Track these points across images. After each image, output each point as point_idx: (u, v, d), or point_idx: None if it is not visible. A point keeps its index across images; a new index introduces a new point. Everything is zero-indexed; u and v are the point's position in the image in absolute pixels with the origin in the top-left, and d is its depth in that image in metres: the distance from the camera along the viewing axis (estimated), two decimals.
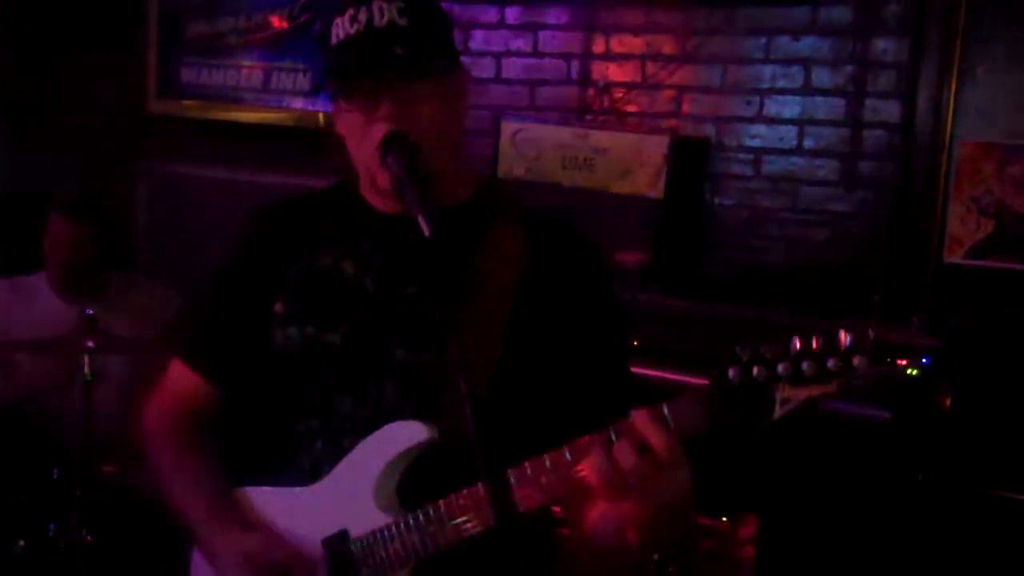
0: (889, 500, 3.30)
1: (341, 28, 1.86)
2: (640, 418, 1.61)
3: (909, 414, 3.24)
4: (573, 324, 1.95)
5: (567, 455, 1.69)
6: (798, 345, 1.55)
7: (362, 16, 1.84)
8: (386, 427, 1.89)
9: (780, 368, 1.55)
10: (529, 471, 1.71)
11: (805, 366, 1.54)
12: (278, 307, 2.00)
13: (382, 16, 1.83)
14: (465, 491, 1.77)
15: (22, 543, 3.25)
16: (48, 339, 3.66)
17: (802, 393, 1.55)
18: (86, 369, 3.38)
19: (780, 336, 1.57)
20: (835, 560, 3.32)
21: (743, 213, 4.15)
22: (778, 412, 1.57)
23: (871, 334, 1.52)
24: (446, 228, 1.74)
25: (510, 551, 1.70)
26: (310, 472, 1.97)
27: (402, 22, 1.84)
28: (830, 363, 1.52)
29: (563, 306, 1.95)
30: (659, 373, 3.63)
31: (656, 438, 1.59)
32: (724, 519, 3.39)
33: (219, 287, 2.14)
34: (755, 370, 1.56)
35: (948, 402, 3.23)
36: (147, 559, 3.41)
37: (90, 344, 3.39)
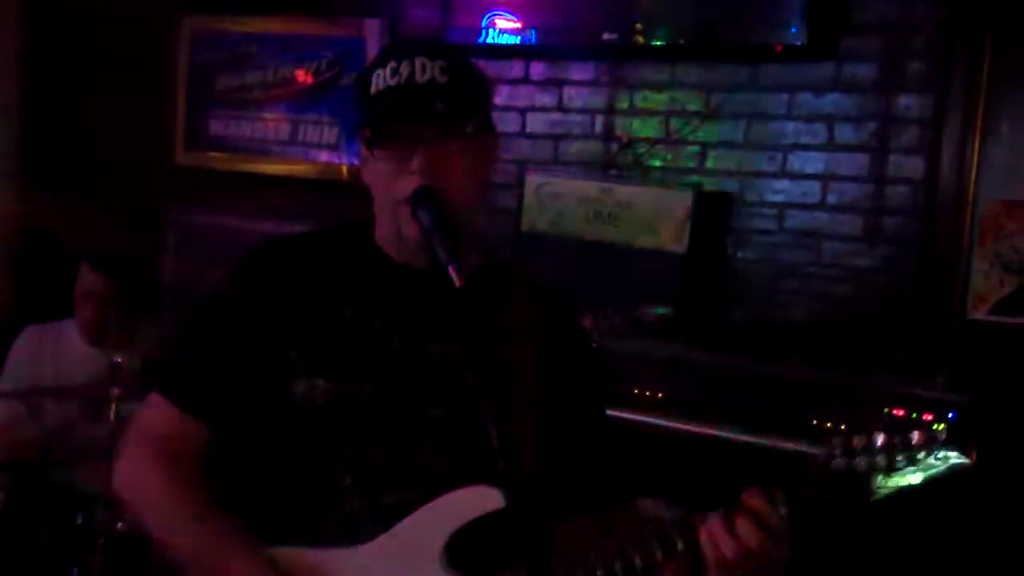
0: (920, 560, 3.27)
1: (382, 79, 1.88)
2: (756, 499, 1.71)
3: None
4: (578, 386, 2.04)
5: (676, 526, 1.75)
6: (882, 438, 1.69)
7: (404, 70, 1.86)
8: (458, 491, 1.85)
9: (879, 459, 1.68)
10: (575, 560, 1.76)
11: (900, 458, 1.68)
12: (294, 354, 1.93)
13: (424, 72, 1.85)
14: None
15: None
16: (75, 386, 3.69)
17: (895, 483, 1.68)
18: (112, 416, 3.39)
19: (861, 426, 1.75)
20: None
21: (766, 268, 4.16)
22: (872, 499, 1.69)
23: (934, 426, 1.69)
24: (473, 287, 1.77)
25: None
26: (345, 531, 1.89)
27: (443, 80, 1.86)
28: (919, 455, 1.67)
29: (570, 366, 2.03)
30: (683, 426, 3.63)
31: (774, 518, 1.69)
32: None
33: (217, 323, 2.01)
34: (857, 460, 1.69)
35: (975, 456, 3.21)
36: None
37: (116, 391, 3.41)
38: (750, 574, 1.70)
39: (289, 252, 2.03)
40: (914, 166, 3.93)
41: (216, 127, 5.37)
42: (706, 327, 4.07)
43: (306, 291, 1.97)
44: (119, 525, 3.36)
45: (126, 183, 5.32)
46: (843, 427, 1.82)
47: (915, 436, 1.67)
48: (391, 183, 1.88)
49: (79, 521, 3.42)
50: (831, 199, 4.07)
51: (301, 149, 5.16)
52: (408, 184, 1.84)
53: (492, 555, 1.81)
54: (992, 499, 3.26)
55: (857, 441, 1.70)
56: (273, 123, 5.23)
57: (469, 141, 1.89)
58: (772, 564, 1.70)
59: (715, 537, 1.70)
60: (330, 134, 5.07)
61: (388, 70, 1.88)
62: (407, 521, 1.87)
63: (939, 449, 1.66)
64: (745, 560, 1.68)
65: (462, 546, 1.84)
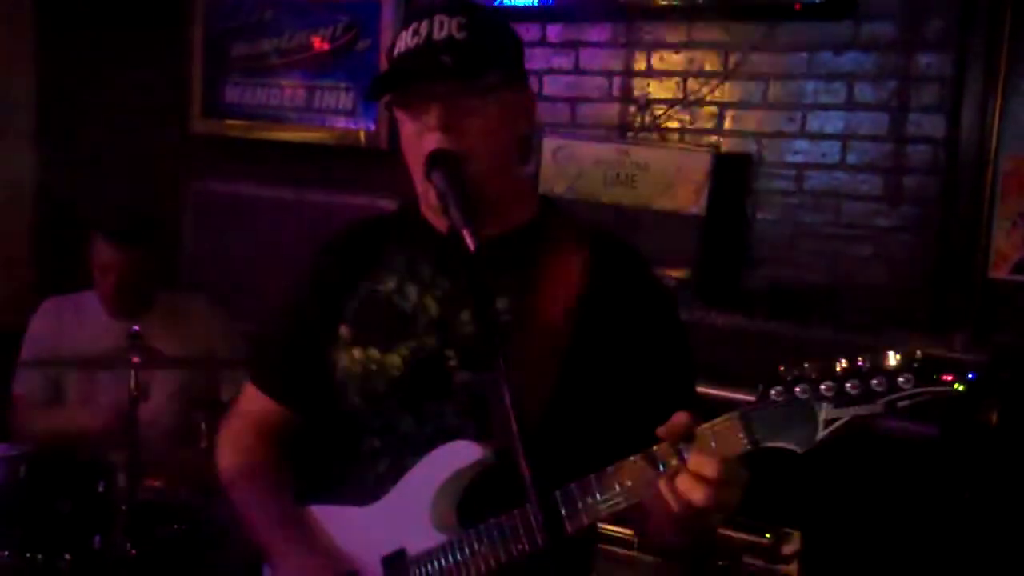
0: (935, 517, 3.26)
1: (403, 41, 1.89)
2: (696, 456, 1.63)
3: (956, 430, 3.21)
4: (633, 346, 1.93)
5: (614, 479, 1.70)
6: (843, 365, 1.54)
7: (423, 28, 1.86)
8: (441, 448, 1.90)
9: (824, 388, 1.54)
10: (576, 494, 1.73)
11: (849, 386, 1.53)
12: (343, 331, 2.03)
13: (442, 29, 1.85)
14: (516, 513, 1.78)
15: (68, 556, 3.27)
16: (96, 356, 3.70)
17: (846, 414, 1.54)
18: (132, 385, 3.40)
19: (825, 355, 1.56)
20: None
21: (785, 229, 4.13)
22: (821, 433, 1.56)
23: (918, 353, 1.50)
24: (500, 250, 1.77)
25: (556, 570, 1.68)
26: (373, 491, 1.98)
27: (460, 36, 1.85)
28: (875, 383, 1.51)
29: (623, 328, 1.93)
30: (702, 389, 3.61)
31: (708, 469, 1.61)
32: (767, 536, 3.36)
33: (290, 313, 2.17)
34: (798, 389, 1.56)
35: (995, 418, 3.20)
36: (189, 572, 3.44)
37: (135, 361, 3.41)
38: (696, 520, 1.66)
39: (347, 236, 2.14)
40: (934, 124, 3.89)
41: (232, 94, 5.35)
42: (725, 289, 4.05)
43: (357, 272, 2.05)
44: (141, 494, 3.38)
45: (142, 151, 5.33)
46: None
47: (887, 358, 1.51)
48: (415, 145, 1.88)
49: (101, 490, 3.43)
50: (851, 159, 4.03)
51: (317, 115, 5.14)
52: (427, 145, 1.85)
53: (475, 507, 1.86)
54: (1013, 459, 3.26)
55: (810, 369, 1.57)
56: (289, 89, 5.20)
57: (487, 96, 1.86)
58: (714, 504, 1.62)
59: (639, 483, 1.67)
60: (346, 99, 5.05)
61: (410, 31, 1.89)
62: (404, 479, 1.94)
63: (913, 376, 1.49)
64: (672, 504, 1.63)
65: (447, 501, 1.89)
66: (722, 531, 3.31)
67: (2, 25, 5.18)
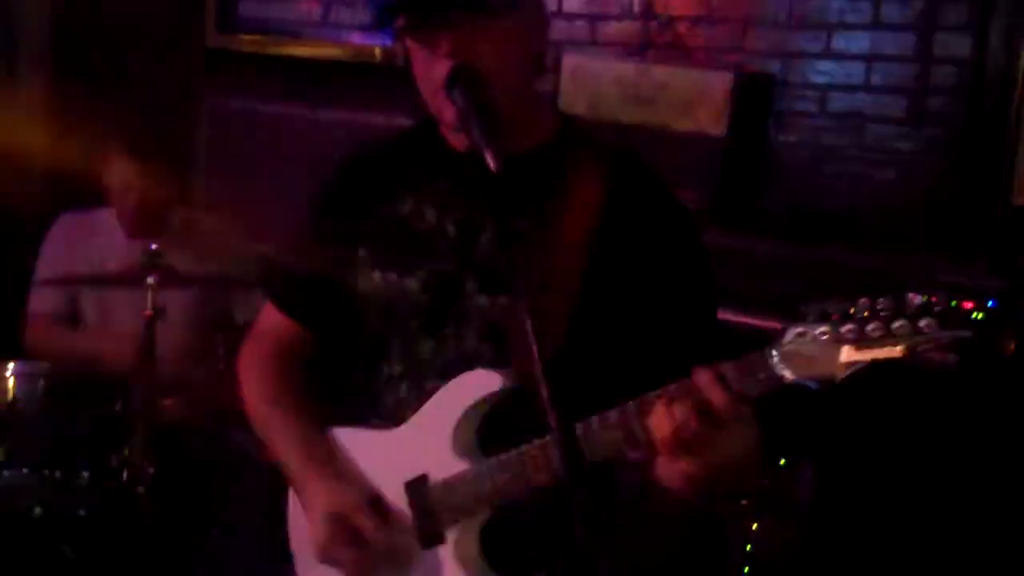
0: (949, 448, 3.26)
1: None
2: (701, 378, 1.62)
3: (971, 359, 3.18)
4: (654, 268, 1.90)
5: (633, 411, 1.69)
6: (865, 305, 1.52)
7: None
8: (462, 376, 1.90)
9: (844, 329, 1.53)
10: (596, 425, 1.72)
11: (871, 328, 1.51)
12: (362, 252, 2.02)
13: None
14: (536, 442, 1.78)
15: (86, 474, 3.30)
16: (112, 273, 3.69)
17: (866, 356, 1.52)
18: (149, 304, 3.39)
19: (848, 295, 1.55)
20: (893, 508, 3.30)
21: (807, 151, 4.07)
22: (840, 375, 1.55)
23: (944, 297, 1.48)
24: (519, 170, 1.74)
25: (577, 500, 1.68)
26: (394, 415, 1.99)
27: None
28: (897, 325, 1.49)
29: (643, 249, 1.90)
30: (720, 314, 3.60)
31: (717, 398, 1.60)
32: (781, 462, 3.36)
33: (307, 234, 2.16)
34: (819, 331, 1.55)
35: (1012, 347, 3.17)
36: (206, 490, 3.47)
37: (152, 279, 3.40)
38: (703, 455, 1.64)
39: (363, 156, 2.13)
40: (961, 45, 3.81)
41: (247, 8, 5.29)
42: (745, 212, 4.01)
43: (375, 191, 2.04)
44: (158, 414, 3.39)
45: (157, 66, 5.27)
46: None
47: (910, 300, 1.48)
48: (427, 69, 1.86)
49: (118, 408, 3.45)
50: (875, 80, 3.96)
51: (333, 30, 5.08)
52: (441, 68, 1.82)
53: (497, 437, 1.86)
54: None
55: (832, 308, 1.55)
56: (304, 3, 5.14)
57: (497, 18, 1.84)
58: (729, 446, 1.63)
59: (654, 419, 1.65)
60: (363, 14, 4.98)
61: None
62: (425, 406, 1.94)
63: (935, 321, 1.46)
64: (682, 442, 1.63)
65: (468, 429, 1.90)
66: None
67: None
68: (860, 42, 3.98)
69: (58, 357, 3.69)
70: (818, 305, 1.57)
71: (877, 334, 1.51)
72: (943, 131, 3.86)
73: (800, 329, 1.57)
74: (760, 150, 4.10)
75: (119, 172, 3.83)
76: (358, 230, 2.04)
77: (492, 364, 1.89)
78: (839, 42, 4.02)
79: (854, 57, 3.99)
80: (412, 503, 1.93)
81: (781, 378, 1.59)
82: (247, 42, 5.28)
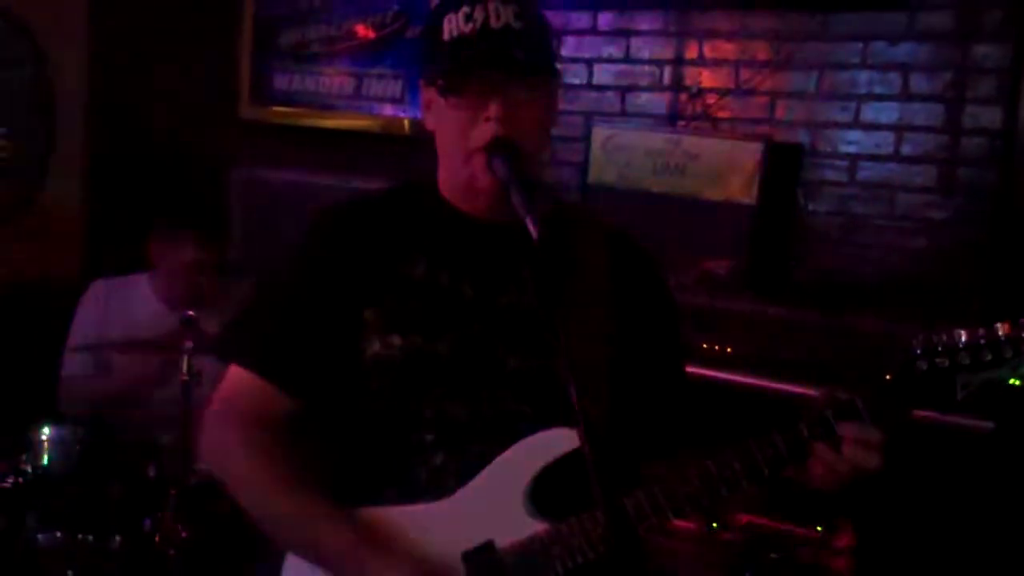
0: (988, 511, 3.23)
1: (455, 25, 1.85)
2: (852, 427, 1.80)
3: (1012, 424, 3.17)
4: (652, 330, 2.05)
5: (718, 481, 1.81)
6: (965, 336, 1.73)
7: (478, 15, 1.84)
8: (540, 435, 1.87)
9: (960, 357, 1.73)
10: (646, 503, 1.81)
11: (984, 353, 1.71)
12: (369, 315, 1.93)
13: (498, 18, 1.84)
14: (596, 514, 1.77)
15: (119, 538, 3.29)
16: (147, 339, 3.72)
17: (979, 378, 1.73)
18: (185, 369, 3.42)
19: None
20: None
21: (838, 220, 4.09)
22: (960, 395, 1.75)
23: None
24: (544, 236, 1.74)
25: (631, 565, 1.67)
26: (431, 486, 1.90)
27: (517, 25, 1.84)
28: (1006, 349, 1.70)
29: (643, 312, 2.03)
30: (752, 380, 3.60)
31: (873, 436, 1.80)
32: (818, 528, 3.33)
33: (291, 288, 2.01)
34: (939, 360, 1.74)
35: None
36: (239, 555, 3.45)
37: (189, 344, 3.43)
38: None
39: (357, 212, 2.04)
40: (991, 116, 3.83)
41: (280, 81, 5.37)
42: (776, 281, 4.02)
43: (376, 250, 1.97)
44: (191, 477, 3.39)
45: (190, 134, 5.34)
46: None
47: (1000, 329, 1.71)
48: (464, 132, 1.86)
49: (151, 474, 3.46)
50: (905, 150, 3.99)
51: (365, 103, 5.14)
52: (484, 132, 1.83)
53: (575, 496, 1.77)
54: None
55: (938, 339, 1.74)
56: (337, 77, 5.22)
57: (542, 89, 1.89)
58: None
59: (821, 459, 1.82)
60: (394, 87, 5.05)
61: (461, 15, 1.85)
62: (487, 471, 1.88)
63: None
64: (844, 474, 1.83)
65: (545, 489, 1.86)
66: (773, 524, 3.30)
67: (54, 6, 5.20)
68: (889, 113, 4.01)
69: (90, 402, 3.72)
70: (925, 341, 1.77)
71: (990, 360, 1.72)
72: (974, 200, 3.87)
73: (921, 362, 1.76)
74: (790, 219, 4.12)
75: (182, 251, 3.89)
76: (361, 290, 1.94)
77: (535, 425, 1.88)
78: (868, 113, 4.05)
79: (883, 127, 4.02)
80: (474, 573, 1.84)
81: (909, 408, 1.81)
82: (280, 114, 5.35)
